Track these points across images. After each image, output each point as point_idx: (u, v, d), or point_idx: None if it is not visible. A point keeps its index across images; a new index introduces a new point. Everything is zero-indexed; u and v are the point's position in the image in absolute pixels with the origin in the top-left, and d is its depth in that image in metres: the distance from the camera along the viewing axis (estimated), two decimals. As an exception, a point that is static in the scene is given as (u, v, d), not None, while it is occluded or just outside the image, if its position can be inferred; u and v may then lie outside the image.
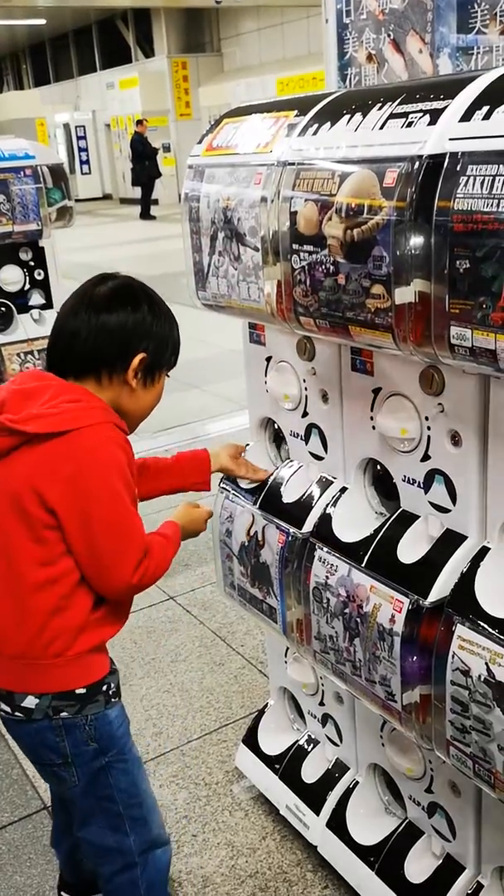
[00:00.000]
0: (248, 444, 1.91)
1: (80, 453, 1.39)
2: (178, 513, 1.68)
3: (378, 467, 1.59)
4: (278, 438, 1.88)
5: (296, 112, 1.46)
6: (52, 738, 1.50)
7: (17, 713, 1.49)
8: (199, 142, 1.67)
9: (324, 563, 1.58)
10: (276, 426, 1.85)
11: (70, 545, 1.42)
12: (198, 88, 18.91)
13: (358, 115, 1.30)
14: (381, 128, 1.25)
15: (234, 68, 18.83)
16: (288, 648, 2.02)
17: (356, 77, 2.30)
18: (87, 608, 1.47)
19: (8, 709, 1.51)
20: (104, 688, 1.52)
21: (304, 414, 1.71)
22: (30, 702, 1.48)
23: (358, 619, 1.50)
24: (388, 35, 1.82)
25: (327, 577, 1.57)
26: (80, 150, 22.54)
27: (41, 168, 3.55)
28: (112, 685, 1.55)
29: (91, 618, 1.47)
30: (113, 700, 1.55)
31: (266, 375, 1.80)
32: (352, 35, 2.09)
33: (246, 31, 18.42)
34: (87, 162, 22.72)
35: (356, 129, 1.29)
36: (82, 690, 1.49)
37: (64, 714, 1.49)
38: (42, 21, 18.90)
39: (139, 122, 17.27)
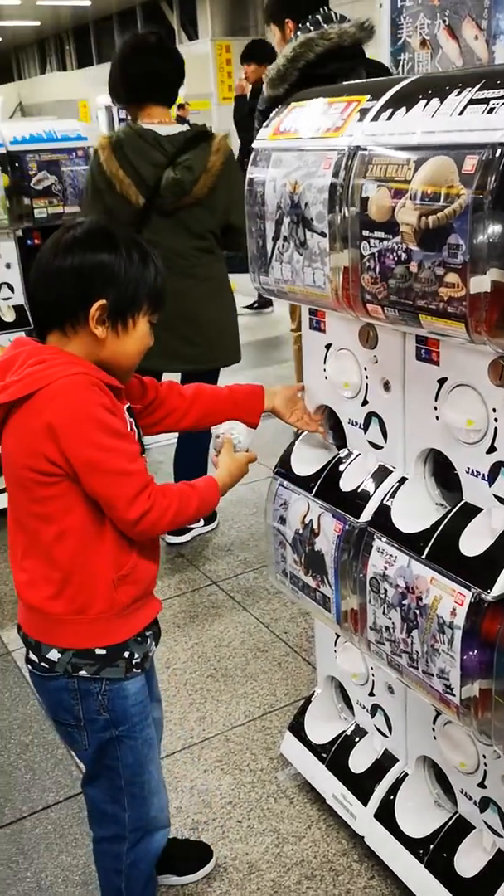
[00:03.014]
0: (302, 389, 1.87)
1: (48, 408, 1.38)
2: (219, 469, 1.63)
3: (439, 457, 1.57)
4: (336, 426, 1.86)
5: (368, 97, 1.44)
6: (68, 700, 1.54)
7: (42, 663, 1.53)
8: (266, 125, 1.65)
9: (382, 553, 1.57)
10: (333, 414, 1.83)
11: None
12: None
13: (435, 101, 1.28)
14: (461, 114, 1.22)
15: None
16: (338, 638, 2.02)
17: (409, 63, 2.27)
18: (105, 570, 1.48)
19: (35, 658, 1.55)
20: (125, 654, 1.53)
21: (364, 402, 1.69)
22: (53, 654, 1.51)
23: (417, 611, 1.48)
24: (444, 21, 1.79)
25: (385, 567, 1.56)
26: (119, 132, 22.48)
27: (92, 150, 3.55)
28: (136, 655, 1.55)
29: (112, 581, 1.48)
30: (135, 670, 1.55)
31: (325, 363, 1.78)
32: (406, 21, 2.05)
33: (290, 15, 18.26)
34: (128, 144, 22.65)
35: (433, 115, 1.27)
36: (102, 651, 1.51)
37: (83, 672, 1.51)
38: (87, 2, 18.89)
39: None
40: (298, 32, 3.07)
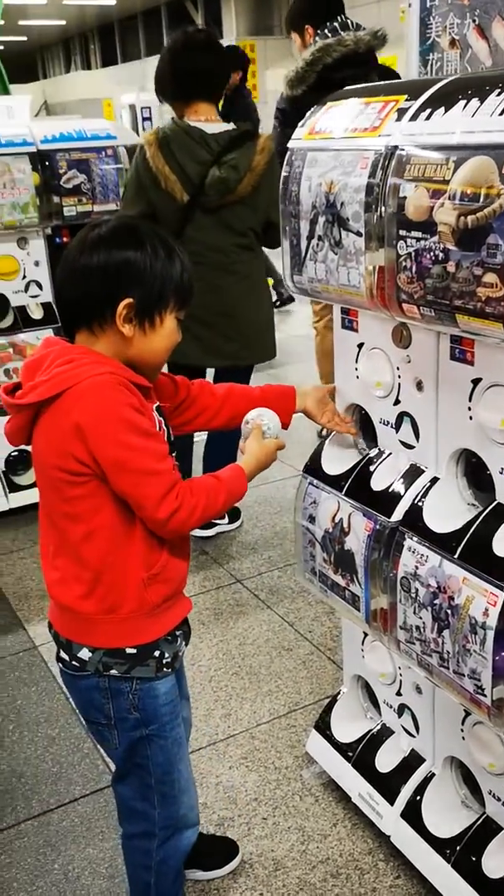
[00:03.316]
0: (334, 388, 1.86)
1: (75, 408, 1.38)
2: (246, 455, 1.62)
3: (472, 458, 1.57)
4: (367, 425, 1.86)
5: (406, 96, 1.44)
6: (99, 699, 1.55)
7: (73, 662, 1.54)
8: (302, 125, 1.66)
9: (413, 552, 1.57)
10: (364, 413, 1.84)
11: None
12: (265, 71, 18.80)
13: (475, 101, 1.28)
14: (501, 114, 1.22)
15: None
16: (365, 637, 2.02)
17: (438, 63, 2.26)
18: (136, 569, 1.48)
19: (66, 657, 1.56)
20: (156, 653, 1.54)
21: (397, 402, 1.70)
22: (84, 653, 1.52)
23: (448, 611, 1.48)
24: (473, 21, 1.78)
25: (417, 566, 1.56)
26: (144, 130, 22.61)
27: (121, 148, 3.57)
28: (166, 655, 1.56)
29: (142, 580, 1.48)
30: (165, 670, 1.56)
31: (357, 362, 1.79)
32: (435, 20, 2.05)
33: (315, 14, 18.24)
34: (152, 143, 22.75)
35: (473, 115, 1.27)
36: (132, 650, 1.52)
37: (113, 672, 1.52)
38: (112, 1, 18.96)
39: None
40: (317, 38, 3.27)
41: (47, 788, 2.23)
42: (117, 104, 22.01)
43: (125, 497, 1.43)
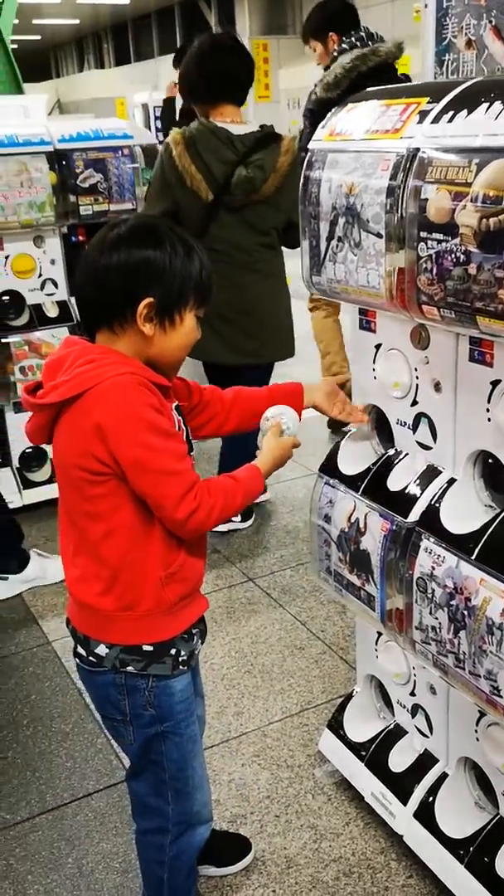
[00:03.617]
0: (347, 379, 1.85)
1: (96, 408, 1.39)
2: (263, 454, 1.62)
3: (490, 460, 1.58)
4: (383, 426, 1.87)
5: (428, 99, 1.45)
6: (115, 695, 1.56)
7: (90, 657, 1.55)
8: (322, 126, 1.67)
9: (430, 553, 1.58)
10: (381, 413, 1.84)
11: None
12: (278, 71, 18.79)
13: (498, 104, 1.29)
14: (524, 116, 1.23)
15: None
16: (379, 637, 2.02)
17: (454, 63, 2.26)
18: (154, 568, 1.49)
19: (83, 652, 1.57)
20: (172, 651, 1.55)
21: (414, 402, 1.70)
22: (101, 649, 1.54)
23: (465, 612, 1.49)
24: (490, 21, 1.78)
25: (433, 567, 1.56)
26: (157, 129, 22.59)
27: (136, 148, 3.59)
28: (182, 653, 1.57)
29: (160, 579, 1.49)
30: (181, 668, 1.57)
31: (375, 362, 1.79)
32: (451, 20, 2.05)
33: (329, 14, 18.21)
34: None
35: (496, 118, 1.27)
36: (149, 647, 1.53)
37: (130, 668, 1.53)
38: (126, 0, 18.98)
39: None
40: (343, 45, 3.48)
41: (61, 783, 2.24)
42: (130, 103, 22.03)
43: (144, 497, 1.44)
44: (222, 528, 3.46)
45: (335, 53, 3.67)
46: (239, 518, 3.52)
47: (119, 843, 2.05)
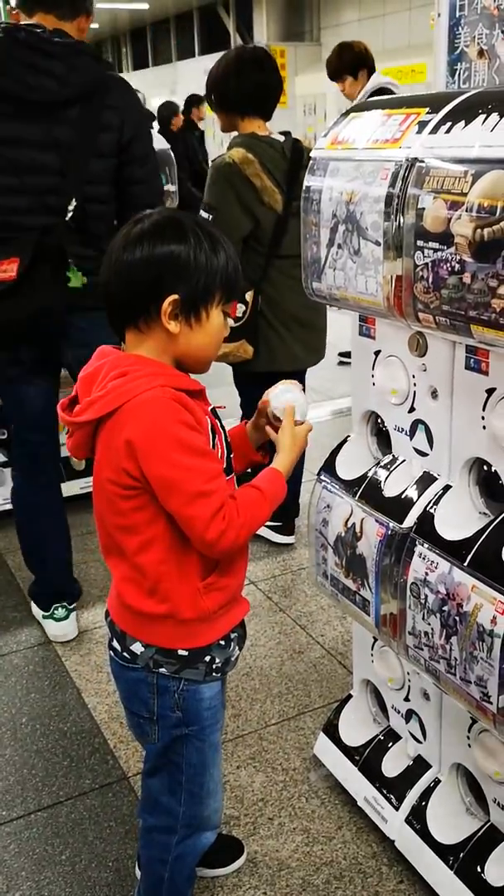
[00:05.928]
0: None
1: (128, 424, 1.38)
2: (280, 454, 1.59)
3: (484, 467, 1.59)
4: (380, 432, 1.88)
5: (427, 109, 1.46)
6: (145, 693, 1.57)
7: (125, 653, 1.56)
8: (324, 135, 1.68)
9: (424, 559, 1.59)
10: (379, 420, 1.86)
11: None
12: (295, 77, 18.84)
13: (495, 115, 1.30)
14: (520, 128, 1.24)
15: (332, 58, 18.67)
16: (375, 642, 2.03)
17: (466, 73, 2.27)
18: (192, 579, 1.49)
19: (118, 647, 1.58)
20: (207, 658, 1.55)
21: (411, 409, 1.71)
22: (137, 647, 1.54)
23: (457, 618, 1.50)
24: (502, 31, 1.79)
25: (427, 573, 1.57)
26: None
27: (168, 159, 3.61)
28: (217, 660, 1.57)
29: (199, 589, 1.50)
30: (214, 674, 1.57)
31: (374, 369, 1.81)
32: (464, 30, 2.06)
33: (346, 22, 18.24)
34: (181, 146, 22.86)
35: (492, 129, 1.29)
36: (185, 652, 1.53)
37: (163, 670, 1.54)
38: (145, 6, 19.06)
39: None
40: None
41: (58, 781, 2.26)
42: (148, 107, 22.07)
43: (174, 515, 1.43)
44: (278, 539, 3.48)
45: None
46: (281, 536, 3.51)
47: (113, 842, 2.06)
